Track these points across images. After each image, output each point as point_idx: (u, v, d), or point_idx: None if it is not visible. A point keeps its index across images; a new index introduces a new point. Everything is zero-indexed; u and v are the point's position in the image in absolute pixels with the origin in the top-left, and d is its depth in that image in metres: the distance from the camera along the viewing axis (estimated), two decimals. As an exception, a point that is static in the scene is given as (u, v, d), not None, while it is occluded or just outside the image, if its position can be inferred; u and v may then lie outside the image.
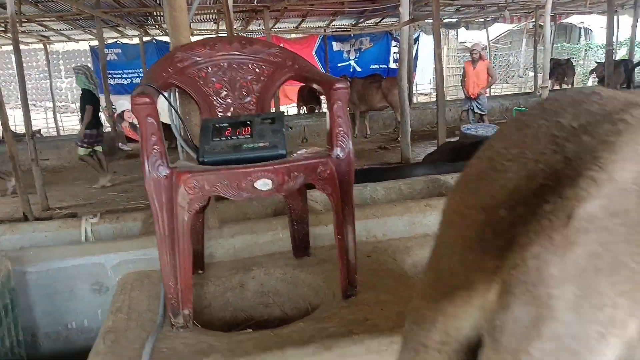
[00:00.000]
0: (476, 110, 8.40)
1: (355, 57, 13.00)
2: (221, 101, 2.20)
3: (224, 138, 1.91)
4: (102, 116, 12.48)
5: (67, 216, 3.78)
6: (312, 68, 2.18)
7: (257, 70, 2.22)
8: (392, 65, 12.63)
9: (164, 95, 2.02)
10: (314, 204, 3.24)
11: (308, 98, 11.45)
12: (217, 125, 1.95)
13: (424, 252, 2.42)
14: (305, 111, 12.00)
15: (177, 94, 2.31)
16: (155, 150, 1.79)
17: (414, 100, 12.34)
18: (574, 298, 0.45)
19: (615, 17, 11.82)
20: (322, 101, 11.19)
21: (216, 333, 1.86)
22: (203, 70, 2.19)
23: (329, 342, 1.62)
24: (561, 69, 9.55)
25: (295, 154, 1.92)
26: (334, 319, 1.80)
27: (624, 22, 12.47)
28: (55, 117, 12.86)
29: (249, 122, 1.94)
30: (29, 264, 2.40)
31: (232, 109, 2.21)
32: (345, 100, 1.88)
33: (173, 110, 2.18)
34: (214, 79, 2.19)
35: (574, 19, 15.97)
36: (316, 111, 11.69)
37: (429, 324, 0.56)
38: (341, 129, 1.87)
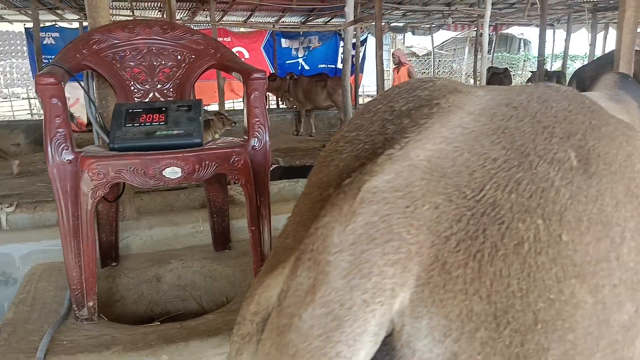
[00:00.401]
0: None
1: (304, 56, 12.97)
2: (139, 87, 2.12)
3: (137, 124, 1.84)
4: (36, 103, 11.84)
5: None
6: (235, 57, 2.14)
7: (179, 56, 2.16)
8: (340, 65, 12.67)
9: (74, 77, 1.93)
10: (243, 197, 3.19)
11: (254, 94, 11.31)
12: (130, 110, 1.87)
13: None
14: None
15: (93, 77, 2.21)
16: (59, 133, 1.70)
17: (360, 102, 12.48)
18: (347, 265, 0.46)
19: (552, 30, 12.44)
20: (271, 98, 11.09)
21: (121, 326, 1.79)
22: (120, 53, 2.10)
23: (234, 334, 1.59)
24: (498, 78, 9.91)
25: (210, 144, 1.88)
26: (242, 311, 1.78)
27: (560, 36, 13.08)
28: (-17, 103, 12.15)
29: (164, 109, 1.87)
30: None
31: (150, 95, 2.13)
32: (263, 90, 1.86)
33: (86, 94, 2.08)
34: (132, 63, 2.11)
35: (514, 30, 16.65)
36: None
37: (250, 297, 0.56)
38: (258, 119, 1.85)
